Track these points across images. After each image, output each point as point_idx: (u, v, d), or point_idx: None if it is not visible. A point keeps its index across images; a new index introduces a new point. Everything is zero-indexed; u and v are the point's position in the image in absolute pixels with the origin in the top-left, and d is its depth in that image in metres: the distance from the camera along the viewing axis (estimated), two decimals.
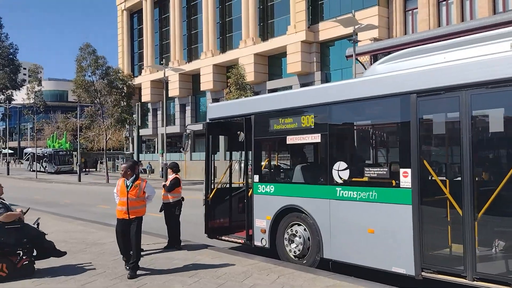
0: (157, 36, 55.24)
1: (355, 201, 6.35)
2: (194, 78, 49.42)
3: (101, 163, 52.79)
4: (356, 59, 28.46)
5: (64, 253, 7.39)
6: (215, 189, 9.06)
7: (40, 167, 44.92)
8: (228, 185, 9.51)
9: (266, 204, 7.76)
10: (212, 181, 9.13)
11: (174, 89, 50.48)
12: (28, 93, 39.17)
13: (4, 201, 7.21)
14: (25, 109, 41.41)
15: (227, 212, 9.33)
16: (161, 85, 55.33)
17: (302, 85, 38.08)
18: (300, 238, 7.22)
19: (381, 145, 6.44)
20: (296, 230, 7.28)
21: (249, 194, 8.16)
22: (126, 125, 31.78)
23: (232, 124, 9.38)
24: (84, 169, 50.38)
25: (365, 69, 28.45)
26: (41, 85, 39.39)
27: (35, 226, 7.18)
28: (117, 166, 48.18)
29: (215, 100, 46.76)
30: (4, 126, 59.70)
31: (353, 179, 6.48)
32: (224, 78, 46.81)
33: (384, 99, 6.08)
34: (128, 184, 6.89)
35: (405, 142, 5.81)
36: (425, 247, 5.62)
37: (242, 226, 9.25)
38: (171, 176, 9.30)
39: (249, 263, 7.29)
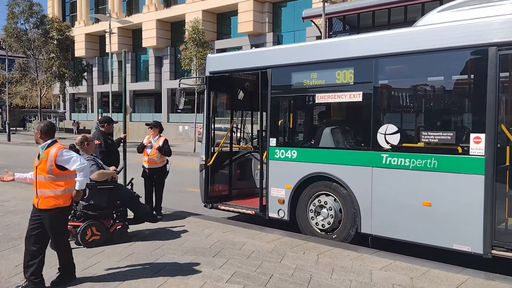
0: None
1: (407, 169, 5.57)
2: (134, 33, 46.11)
3: (30, 122, 48.39)
4: (311, 21, 27.63)
5: (160, 219, 7.08)
6: (215, 154, 7.91)
7: None
8: (228, 150, 8.41)
9: (285, 171, 6.80)
10: (212, 145, 7.96)
11: (112, 44, 46.81)
12: None
13: (96, 158, 6.20)
14: None
15: (228, 179, 8.27)
16: (97, 39, 51.41)
17: (253, 46, 36.85)
18: (329, 210, 6.38)
19: (444, 106, 5.65)
20: (325, 201, 6.42)
21: (263, 160, 7.14)
22: (66, 81, 28.70)
23: (236, 79, 8.21)
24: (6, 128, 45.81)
25: (320, 32, 27.85)
26: None
27: (129, 187, 6.62)
28: None
29: (158, 58, 44.14)
30: None
31: (405, 145, 5.68)
32: (169, 35, 44.16)
33: (453, 51, 5.25)
34: (39, 154, 4.49)
35: (479, 103, 5.05)
36: (498, 223, 5.01)
37: (245, 194, 8.33)
38: (158, 137, 8.02)
39: (271, 238, 6.36)
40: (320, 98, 6.49)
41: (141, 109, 48.60)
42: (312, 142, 6.79)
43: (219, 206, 7.68)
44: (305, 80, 6.61)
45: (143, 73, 47.30)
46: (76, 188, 4.50)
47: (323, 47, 6.57)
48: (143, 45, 44.06)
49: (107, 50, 46.78)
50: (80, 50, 46.83)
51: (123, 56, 7.68)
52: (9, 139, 31.69)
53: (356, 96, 6.08)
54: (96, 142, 7.04)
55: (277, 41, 35.99)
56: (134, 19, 35.03)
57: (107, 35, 45.91)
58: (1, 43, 28.43)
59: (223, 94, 8.47)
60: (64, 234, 4.70)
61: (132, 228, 6.46)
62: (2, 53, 63.36)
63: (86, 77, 33.62)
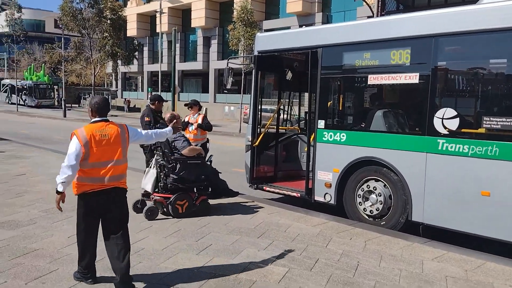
0: None
1: (466, 157, 5.24)
2: (184, 13, 46.48)
3: (84, 99, 50.35)
4: (363, 0, 26.64)
5: (237, 193, 7.21)
6: (262, 135, 7.83)
7: (19, 100, 42.34)
8: (274, 131, 8.30)
9: (333, 154, 6.61)
10: (259, 125, 7.88)
11: (163, 24, 47.49)
12: (7, 20, 35.47)
13: (185, 135, 6.69)
14: (4, 37, 37.78)
15: (273, 160, 8.19)
16: (148, 19, 52.30)
17: (302, 26, 36.18)
18: (379, 196, 6.16)
19: (508, 91, 5.24)
20: (374, 187, 6.21)
21: (311, 142, 6.98)
22: (118, 60, 29.48)
23: (284, 59, 8.04)
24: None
25: (372, 12, 26.73)
26: (20, 12, 35.64)
27: (209, 163, 6.90)
28: None
29: (206, 38, 44.33)
30: None
31: (464, 130, 5.34)
32: (217, 15, 44.17)
33: None
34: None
35: None
36: None
37: (290, 177, 8.22)
38: (197, 115, 8.07)
39: (316, 222, 6.25)
40: (373, 79, 6.21)
41: (188, 89, 49.23)
42: (363, 125, 6.54)
43: (264, 188, 7.63)
44: (358, 60, 6.34)
45: (192, 53, 47.75)
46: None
47: (378, 25, 6.25)
48: (192, 25, 44.36)
49: (157, 30, 47.87)
50: (131, 30, 47.82)
51: (173, 35, 7.75)
52: (64, 115, 33.16)
53: (412, 78, 5.76)
54: (146, 119, 7.16)
55: (327, 21, 35.11)
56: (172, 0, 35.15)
57: (157, 15, 47.01)
58: (58, 22, 29.43)
59: (271, 74, 8.33)
60: None
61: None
62: (58, 32, 65.94)
63: (137, 57, 34.26)
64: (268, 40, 7.72)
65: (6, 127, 22.23)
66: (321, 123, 6.75)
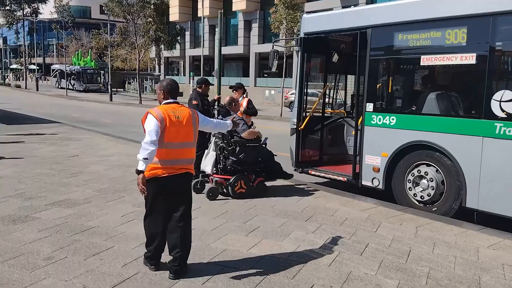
0: None
1: None
2: None
3: (129, 83, 51.62)
4: None
5: (291, 176, 7.17)
6: (308, 118, 7.75)
7: (68, 85, 44.00)
8: (320, 114, 8.21)
9: (382, 138, 6.46)
10: (304, 109, 7.81)
11: (204, 8, 47.63)
12: (56, 6, 36.89)
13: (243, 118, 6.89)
14: (54, 23, 39.31)
15: (319, 144, 8.11)
16: (189, 4, 52.61)
17: (345, 7, 35.30)
18: (430, 181, 5.98)
19: None
20: (425, 172, 6.03)
21: (359, 125, 6.85)
22: (161, 45, 29.96)
23: (331, 41, 7.88)
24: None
25: None
26: None
27: (264, 145, 6.94)
28: (146, 87, 46.99)
29: (247, 22, 44.15)
30: (28, 41, 58.22)
31: None
32: None
33: None
34: None
35: None
36: None
37: (335, 160, 8.13)
38: (242, 98, 8.05)
39: (364, 206, 6.17)
40: (426, 60, 5.97)
41: (229, 73, 49.38)
42: (414, 108, 6.34)
43: (309, 171, 7.58)
44: (409, 41, 6.12)
45: (232, 37, 47.75)
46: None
47: (431, 4, 5.97)
48: (233, 9, 44.24)
49: (199, 14, 48.08)
50: (174, 14, 48.30)
51: (219, 18, 7.71)
52: (111, 99, 34.20)
53: (468, 59, 5.49)
54: (194, 102, 7.26)
55: (371, 1, 34.08)
56: None
57: None
58: (104, 8, 30.15)
59: (316, 56, 8.21)
60: None
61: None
62: (103, 18, 67.55)
63: (179, 41, 34.68)
64: (314, 21, 7.58)
65: (58, 111, 23.18)
66: (369, 106, 6.59)
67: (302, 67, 7.62)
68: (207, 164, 6.60)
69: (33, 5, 43.90)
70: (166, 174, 3.73)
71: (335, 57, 8.10)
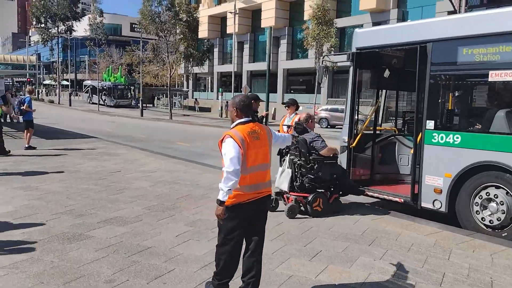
0: None
1: None
2: (253, 14, 46.79)
3: (158, 99, 52.31)
4: None
5: (363, 191, 7.06)
6: (359, 135, 7.47)
7: (99, 100, 44.90)
8: (370, 131, 7.91)
9: (445, 158, 6.11)
10: (355, 125, 7.53)
11: (231, 26, 48.16)
12: (90, 24, 37.92)
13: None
14: (87, 40, 40.46)
15: (369, 162, 7.80)
16: (218, 21, 53.28)
17: (375, 24, 34.98)
18: (500, 204, 5.59)
19: None
20: (494, 194, 5.64)
21: (417, 143, 6.52)
22: (192, 61, 30.26)
23: (384, 56, 7.63)
24: (137, 104, 49.92)
25: (454, 7, 25.13)
26: (102, 16, 37.93)
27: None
28: (175, 103, 47.45)
29: (275, 38, 44.24)
30: (61, 58, 59.89)
31: None
32: (287, 14, 44.00)
33: None
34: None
35: None
36: None
37: (386, 180, 7.79)
38: (294, 115, 7.85)
39: (428, 230, 5.81)
40: (495, 76, 5.63)
41: (256, 89, 49.48)
42: (480, 127, 5.99)
43: (366, 192, 7.23)
44: (476, 55, 5.80)
45: (260, 53, 47.98)
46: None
47: (501, 17, 5.66)
48: (262, 26, 44.51)
49: (228, 31, 48.58)
50: (203, 31, 48.91)
51: (269, 32, 7.54)
52: (141, 115, 34.60)
53: None
54: None
55: (402, 18, 33.72)
56: (245, 1, 35.27)
57: (228, 16, 47.71)
58: (138, 25, 30.69)
59: (369, 71, 7.93)
60: None
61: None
62: (133, 35, 69.03)
63: (211, 57, 34.99)
64: (368, 36, 7.35)
65: (91, 125, 23.50)
66: (430, 124, 6.27)
67: (354, 82, 7.37)
68: (283, 181, 6.46)
69: (67, 23, 45.29)
70: (249, 200, 3.47)
71: (387, 73, 7.84)
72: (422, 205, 6.43)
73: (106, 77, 55.15)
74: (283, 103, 8.03)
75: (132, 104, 50.05)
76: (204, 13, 49.60)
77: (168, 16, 29.96)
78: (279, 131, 7.76)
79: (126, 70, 59.13)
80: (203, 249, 4.83)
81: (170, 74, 31.93)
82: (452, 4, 26.38)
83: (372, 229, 5.77)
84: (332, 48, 22.90)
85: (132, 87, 53.29)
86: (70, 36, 44.35)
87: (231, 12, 30.18)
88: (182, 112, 43.84)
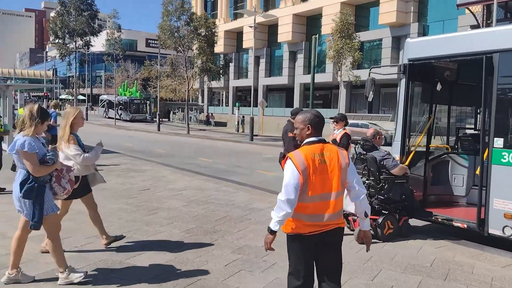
0: None
1: None
2: (270, 28, 46.74)
3: (174, 113, 52.25)
4: (467, 8, 24.65)
5: (430, 214, 6.40)
6: (412, 153, 6.91)
7: (115, 115, 44.90)
8: (422, 149, 7.34)
9: None
10: (408, 142, 6.97)
11: (248, 40, 48.13)
12: (108, 39, 38.06)
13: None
14: (105, 55, 40.65)
15: (422, 182, 7.21)
16: (234, 36, 53.37)
17: (395, 39, 34.59)
18: None
19: None
20: None
21: (482, 163, 5.93)
22: (210, 75, 30.01)
23: (438, 68, 7.10)
24: (153, 118, 49.97)
25: (477, 21, 24.55)
26: (120, 31, 38.05)
27: None
28: (191, 118, 47.30)
29: (292, 53, 44.03)
30: (78, 73, 60.32)
31: None
32: (304, 29, 43.85)
33: None
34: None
35: None
36: None
37: (440, 202, 7.20)
38: (341, 131, 7.36)
39: (504, 262, 5.21)
40: None
41: (272, 104, 49.18)
42: None
43: (432, 215, 6.58)
44: None
45: (277, 68, 47.80)
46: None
47: None
48: (279, 40, 44.42)
49: (245, 45, 48.52)
50: (219, 46, 48.86)
51: (314, 43, 7.05)
52: (158, 129, 34.36)
53: None
54: (290, 134, 6.61)
55: (423, 32, 33.29)
56: (271, 14, 35.21)
57: (245, 31, 47.69)
58: (157, 39, 30.58)
59: (421, 84, 7.40)
60: None
61: None
62: (149, 51, 69.37)
63: (227, 72, 34.79)
64: (422, 46, 6.82)
65: (111, 140, 23.16)
66: (498, 142, 5.68)
67: (407, 96, 6.83)
68: (349, 203, 5.84)
69: (85, 38, 45.60)
70: (311, 233, 3.00)
71: (439, 86, 7.31)
72: (489, 232, 5.80)
73: (121, 91, 55.34)
74: (330, 118, 7.52)
75: (148, 118, 50.03)
76: (221, 28, 49.68)
77: (186, 30, 29.84)
78: None
79: (141, 85, 59.35)
80: (259, 282, 4.30)
81: (188, 89, 31.68)
82: (475, 18, 25.74)
83: (440, 260, 5.17)
84: (355, 62, 22.48)
85: (148, 102, 53.34)
86: (88, 51, 44.66)
87: (251, 26, 29.93)
88: (198, 126, 43.60)
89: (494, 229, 5.75)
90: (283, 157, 6.62)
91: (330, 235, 3.06)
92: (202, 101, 58.53)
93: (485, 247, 5.73)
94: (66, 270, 4.06)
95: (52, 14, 61.14)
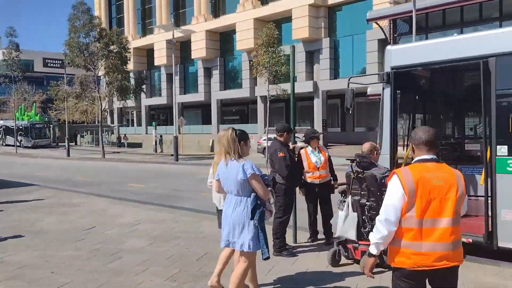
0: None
1: None
2: (182, 45, 45.61)
3: (82, 136, 48.39)
4: (376, 22, 25.96)
5: None
6: (402, 166, 6.48)
7: (15, 142, 40.19)
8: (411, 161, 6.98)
9: None
10: (395, 156, 6.54)
11: (160, 57, 46.54)
12: (5, 59, 33.75)
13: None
14: (1, 77, 36.18)
15: None
16: (144, 53, 51.24)
17: (308, 53, 35.57)
18: None
19: None
20: None
21: (486, 173, 5.66)
22: (124, 94, 28.01)
23: (421, 76, 6.82)
24: (58, 143, 45.96)
25: (385, 34, 26.04)
26: (19, 51, 33.89)
27: None
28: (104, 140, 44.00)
29: (207, 69, 43.32)
30: None
31: None
32: (218, 45, 43.40)
33: None
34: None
35: None
36: None
37: None
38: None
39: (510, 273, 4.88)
40: None
41: (189, 121, 47.89)
42: None
43: None
44: None
45: (192, 84, 46.78)
46: None
47: None
48: (193, 57, 43.52)
49: (156, 63, 46.78)
50: (129, 64, 46.72)
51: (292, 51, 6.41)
52: (68, 154, 31.29)
53: None
54: (280, 154, 5.78)
55: (334, 46, 34.69)
56: (183, 31, 34.21)
57: (156, 48, 45.99)
58: (65, 59, 27.89)
59: (407, 93, 7.03)
60: None
61: None
62: (49, 71, 64.00)
63: (143, 90, 32.84)
64: (405, 53, 6.46)
65: (19, 171, 20.39)
66: (502, 150, 5.44)
67: (392, 109, 6.39)
68: (349, 228, 5.09)
69: None
70: (418, 268, 2.52)
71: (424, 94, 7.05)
72: (499, 245, 5.50)
73: (18, 116, 50.01)
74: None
75: (52, 144, 45.78)
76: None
77: (96, 47, 27.63)
78: None
79: (40, 107, 54.40)
80: None
81: (101, 109, 29.30)
82: (383, 31, 27.19)
83: (469, 281, 4.70)
84: (282, 76, 22.44)
85: (51, 125, 48.89)
86: None
87: (169, 42, 28.69)
88: (111, 149, 40.69)
89: (504, 242, 5.46)
90: (274, 181, 5.79)
91: (443, 275, 2.57)
92: (112, 122, 55.22)
93: (498, 262, 5.41)
94: None
95: None
